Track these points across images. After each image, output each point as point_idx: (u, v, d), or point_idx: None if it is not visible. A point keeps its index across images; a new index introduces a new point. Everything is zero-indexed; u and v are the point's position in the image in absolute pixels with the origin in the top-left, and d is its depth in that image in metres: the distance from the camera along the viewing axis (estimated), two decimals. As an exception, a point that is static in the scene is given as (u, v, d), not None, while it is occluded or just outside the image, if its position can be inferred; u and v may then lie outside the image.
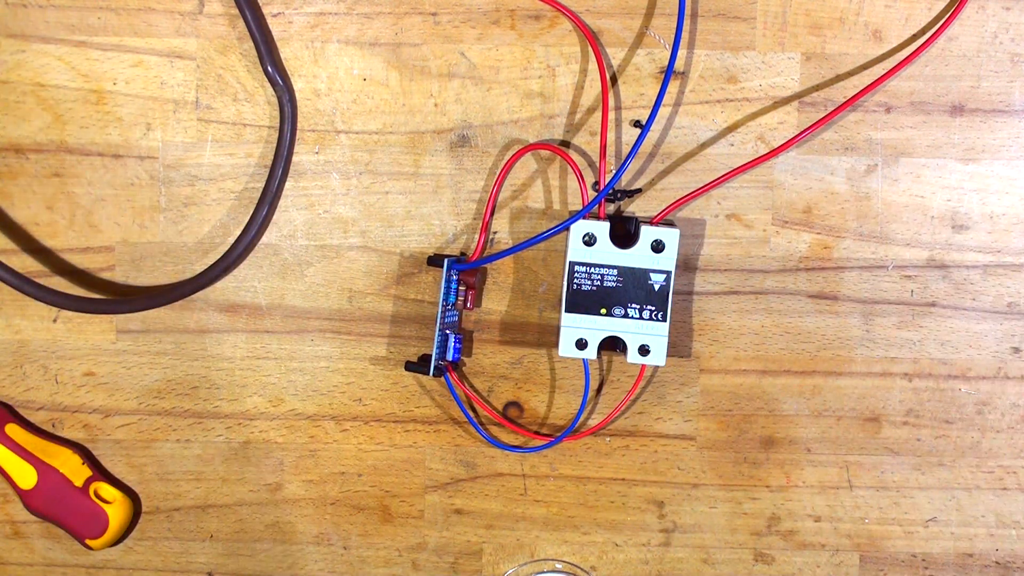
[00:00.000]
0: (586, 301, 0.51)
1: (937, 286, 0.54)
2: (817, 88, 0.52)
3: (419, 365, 0.53)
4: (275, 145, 0.52)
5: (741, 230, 0.53)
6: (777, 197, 0.53)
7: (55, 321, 0.53)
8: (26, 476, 0.53)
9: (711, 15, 0.52)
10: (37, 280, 0.52)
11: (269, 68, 0.51)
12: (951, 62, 0.52)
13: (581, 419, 0.54)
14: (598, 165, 0.52)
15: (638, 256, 0.51)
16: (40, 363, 0.54)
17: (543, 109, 0.53)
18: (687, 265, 0.53)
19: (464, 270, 0.52)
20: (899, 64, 0.52)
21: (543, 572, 0.55)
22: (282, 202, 0.53)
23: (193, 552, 0.55)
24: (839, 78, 0.52)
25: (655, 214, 0.52)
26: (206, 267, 0.53)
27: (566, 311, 0.51)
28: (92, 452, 0.54)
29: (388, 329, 0.54)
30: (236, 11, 0.52)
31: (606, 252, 0.51)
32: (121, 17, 0.52)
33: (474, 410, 0.54)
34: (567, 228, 0.51)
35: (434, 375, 0.52)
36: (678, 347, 0.54)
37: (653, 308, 0.51)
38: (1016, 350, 0.54)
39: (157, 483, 0.55)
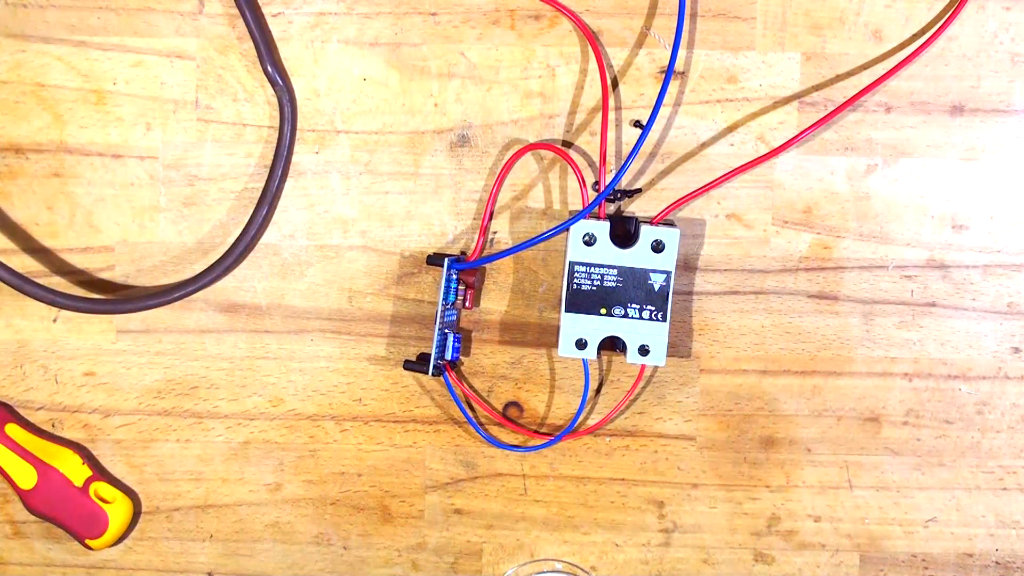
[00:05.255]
0: (586, 301, 0.51)
1: (937, 286, 0.54)
2: (817, 88, 0.52)
3: (418, 364, 0.53)
4: (275, 145, 0.52)
5: (741, 230, 0.53)
6: (777, 197, 0.53)
7: (55, 321, 0.53)
8: (26, 476, 0.53)
9: (711, 15, 0.52)
10: (37, 280, 0.52)
11: (269, 68, 0.51)
12: (951, 62, 0.52)
13: (581, 419, 0.54)
14: (598, 165, 0.52)
15: (638, 256, 0.51)
16: (40, 363, 0.54)
17: (543, 109, 0.53)
18: (687, 265, 0.53)
19: (464, 269, 0.52)
20: (899, 64, 0.52)
21: (543, 572, 0.55)
22: (282, 202, 0.53)
23: (193, 552, 0.55)
24: (839, 78, 0.52)
25: (655, 214, 0.52)
26: (206, 267, 0.53)
27: (566, 311, 0.51)
28: (92, 452, 0.54)
29: (388, 329, 0.54)
30: (236, 11, 0.52)
31: (606, 252, 0.51)
32: (121, 17, 0.52)
33: (473, 410, 0.54)
34: (567, 228, 0.51)
35: (433, 374, 0.52)
36: (678, 347, 0.54)
37: (653, 308, 0.51)
38: (1016, 350, 0.54)
39: (157, 483, 0.55)
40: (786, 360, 0.54)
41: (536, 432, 0.54)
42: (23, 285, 0.51)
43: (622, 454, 0.55)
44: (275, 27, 0.52)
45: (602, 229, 0.51)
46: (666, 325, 0.51)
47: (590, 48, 0.52)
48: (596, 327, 0.51)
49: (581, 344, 0.52)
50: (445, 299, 0.52)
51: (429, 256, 0.53)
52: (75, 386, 0.54)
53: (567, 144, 0.53)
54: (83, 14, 0.52)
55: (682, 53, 0.52)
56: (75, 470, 0.53)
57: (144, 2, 0.52)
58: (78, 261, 0.53)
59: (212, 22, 0.52)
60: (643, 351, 0.51)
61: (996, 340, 0.54)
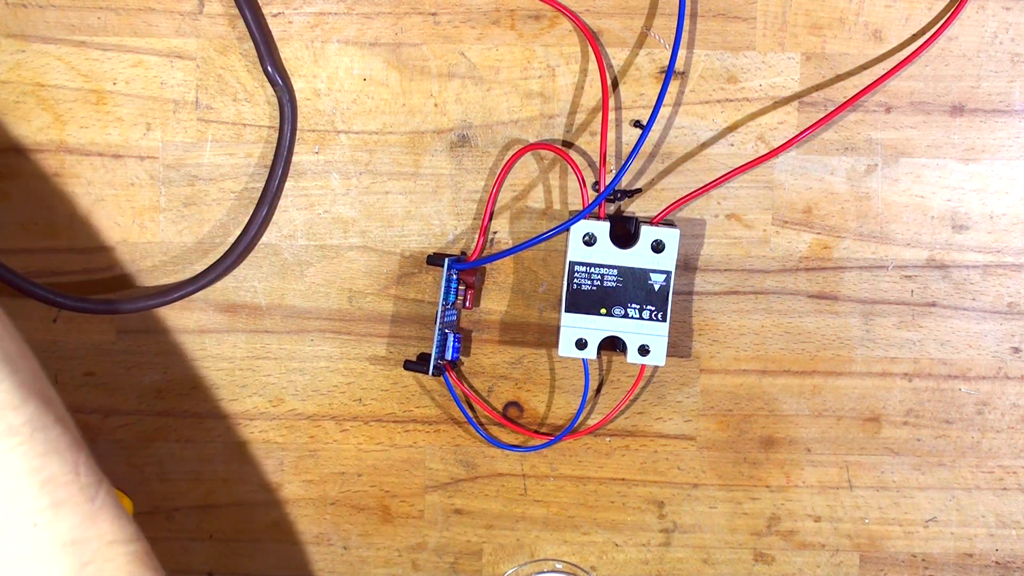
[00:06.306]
0: (586, 301, 0.51)
1: (937, 286, 0.54)
2: (817, 88, 0.52)
3: (418, 364, 0.53)
4: (275, 145, 0.52)
5: (741, 230, 0.53)
6: (777, 197, 0.53)
7: (55, 321, 0.53)
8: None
9: (711, 15, 0.52)
10: (37, 280, 0.52)
11: (269, 68, 0.51)
12: (951, 62, 0.52)
13: (581, 419, 0.54)
14: (598, 165, 0.52)
15: (638, 256, 0.51)
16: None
17: (543, 109, 0.53)
18: (687, 265, 0.53)
19: (464, 269, 0.52)
20: (899, 64, 0.52)
21: (543, 572, 0.55)
22: (282, 202, 0.53)
23: (193, 552, 0.55)
24: (839, 78, 0.52)
25: (655, 214, 0.53)
26: (206, 267, 0.53)
27: (566, 311, 0.51)
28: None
29: (388, 329, 0.54)
30: (236, 11, 0.52)
31: (606, 252, 0.51)
32: (121, 17, 0.52)
33: (473, 410, 0.54)
34: (567, 228, 0.51)
35: (433, 374, 0.52)
36: (678, 347, 0.54)
37: (653, 308, 0.51)
38: (1016, 350, 0.54)
39: (157, 483, 0.55)
40: (786, 360, 0.54)
41: (536, 432, 0.54)
42: (23, 285, 0.51)
43: (622, 454, 0.55)
44: (275, 27, 0.52)
45: (602, 229, 0.51)
46: (666, 325, 0.51)
47: (590, 48, 0.52)
48: (596, 327, 0.51)
49: (581, 344, 0.52)
50: (445, 299, 0.52)
51: (429, 256, 0.53)
52: (75, 386, 0.54)
53: (567, 144, 0.53)
54: (83, 14, 0.52)
55: (682, 53, 0.52)
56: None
57: (144, 2, 0.52)
58: (78, 261, 0.53)
59: (212, 22, 0.52)
60: (643, 351, 0.51)
61: (996, 340, 0.54)
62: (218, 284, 0.53)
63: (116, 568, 0.39)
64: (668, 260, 0.51)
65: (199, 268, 0.53)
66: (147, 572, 0.40)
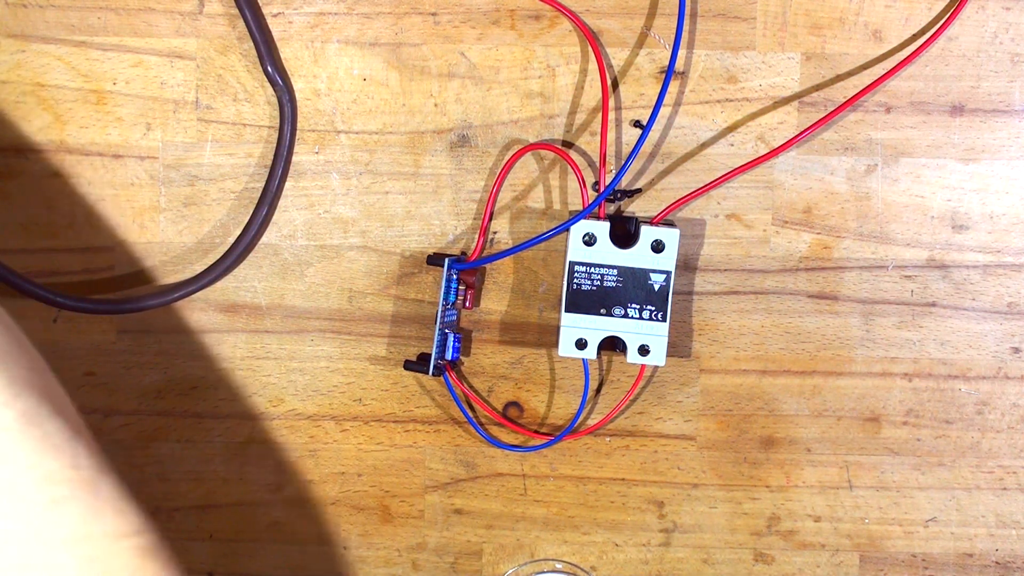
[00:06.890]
0: (586, 301, 0.51)
1: (937, 286, 0.54)
2: (817, 88, 0.52)
3: (418, 364, 0.53)
4: (275, 145, 0.52)
5: (741, 230, 0.53)
6: (777, 197, 0.53)
7: (55, 321, 0.53)
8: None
9: (711, 15, 0.52)
10: (37, 280, 0.52)
11: (269, 68, 0.51)
12: (951, 62, 0.52)
13: (581, 419, 0.54)
14: (598, 165, 0.52)
15: (638, 256, 0.51)
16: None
17: (543, 109, 0.53)
18: (687, 265, 0.53)
19: (464, 270, 0.52)
20: (899, 64, 0.52)
21: (543, 572, 0.55)
22: (282, 202, 0.53)
23: (193, 552, 0.55)
24: (839, 78, 0.52)
25: (655, 214, 0.53)
26: (206, 267, 0.53)
27: (566, 311, 0.51)
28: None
29: (388, 329, 0.54)
30: (236, 11, 0.52)
31: (606, 252, 0.51)
32: (121, 17, 0.52)
33: (474, 410, 0.54)
34: (567, 228, 0.51)
35: (433, 374, 0.52)
36: (678, 347, 0.54)
37: (653, 308, 0.51)
38: (1016, 350, 0.54)
39: (157, 483, 0.55)
40: (786, 360, 0.54)
41: (536, 432, 0.54)
42: (23, 285, 0.51)
43: (622, 454, 0.55)
44: (275, 27, 0.52)
45: (602, 229, 0.51)
46: (666, 325, 0.51)
47: (590, 48, 0.52)
48: (596, 327, 0.51)
49: (581, 344, 0.52)
50: (445, 299, 0.52)
51: (429, 256, 0.53)
52: (75, 386, 0.54)
53: (567, 144, 0.53)
54: (83, 14, 0.52)
55: (682, 53, 0.52)
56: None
57: (144, 2, 0.52)
58: (78, 261, 0.53)
59: (212, 22, 0.52)
60: (643, 351, 0.51)
61: (996, 340, 0.54)
62: (218, 284, 0.53)
63: (123, 563, 0.38)
64: (668, 260, 0.51)
65: (199, 268, 0.53)
66: (155, 564, 0.39)
